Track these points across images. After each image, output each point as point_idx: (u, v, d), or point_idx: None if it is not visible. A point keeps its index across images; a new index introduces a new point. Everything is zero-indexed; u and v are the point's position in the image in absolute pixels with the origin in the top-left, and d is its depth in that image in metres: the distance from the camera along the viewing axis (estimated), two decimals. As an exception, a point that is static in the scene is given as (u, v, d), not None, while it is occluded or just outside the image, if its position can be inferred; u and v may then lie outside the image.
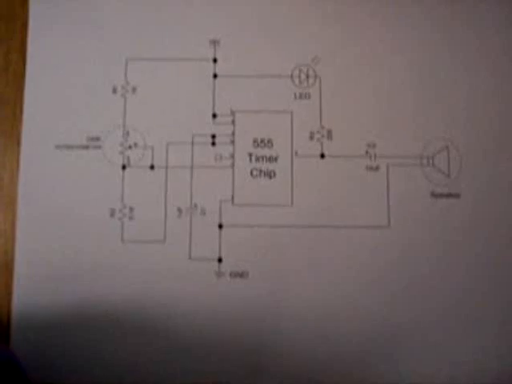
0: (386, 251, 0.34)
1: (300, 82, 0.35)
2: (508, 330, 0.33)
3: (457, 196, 0.34)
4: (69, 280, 0.34)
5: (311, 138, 0.35)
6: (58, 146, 0.35)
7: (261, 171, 0.34)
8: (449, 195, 0.34)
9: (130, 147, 0.35)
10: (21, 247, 0.34)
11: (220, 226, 0.34)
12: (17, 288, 0.34)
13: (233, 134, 0.35)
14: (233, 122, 0.35)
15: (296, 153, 0.35)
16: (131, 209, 0.34)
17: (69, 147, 0.35)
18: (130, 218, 0.34)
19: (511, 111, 0.35)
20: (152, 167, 0.35)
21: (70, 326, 0.33)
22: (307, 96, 0.35)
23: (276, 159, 0.35)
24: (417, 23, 0.36)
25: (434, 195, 0.34)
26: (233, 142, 0.35)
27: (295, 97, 0.35)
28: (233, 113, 0.35)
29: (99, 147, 0.35)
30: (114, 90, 0.35)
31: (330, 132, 0.35)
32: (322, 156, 0.34)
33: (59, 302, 0.34)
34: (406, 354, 0.33)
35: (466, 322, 0.33)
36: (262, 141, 0.35)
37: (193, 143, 0.35)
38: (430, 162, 0.34)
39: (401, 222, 0.34)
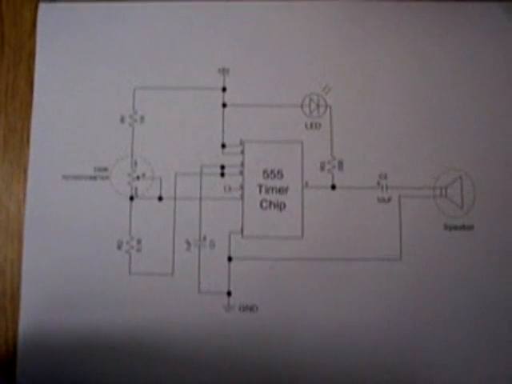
0: (398, 284, 0.33)
1: (310, 111, 0.35)
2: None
3: (470, 228, 0.34)
4: (75, 312, 0.33)
5: (322, 168, 0.34)
6: (65, 177, 0.34)
7: (271, 203, 0.34)
8: (462, 227, 0.34)
9: (137, 178, 0.34)
10: (27, 277, 0.34)
11: (229, 259, 0.34)
12: (23, 317, 0.34)
13: (242, 164, 0.34)
14: (242, 152, 0.34)
15: (306, 184, 0.34)
16: (139, 241, 0.34)
17: (76, 177, 0.34)
18: (138, 250, 0.34)
19: (527, 142, 0.34)
20: (160, 198, 0.34)
21: (76, 356, 0.33)
22: (318, 126, 0.34)
23: (286, 190, 0.34)
24: (429, 53, 0.35)
25: (448, 227, 0.34)
26: (242, 172, 0.34)
27: (306, 126, 0.34)
28: (242, 143, 0.34)
29: (107, 178, 0.34)
30: (122, 120, 0.35)
31: (341, 162, 0.34)
32: (333, 187, 0.34)
33: (65, 333, 0.33)
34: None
35: (480, 354, 0.33)
36: (271, 171, 0.34)
37: (201, 174, 0.34)
38: (443, 193, 0.34)
39: (413, 254, 0.33)
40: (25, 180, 0.35)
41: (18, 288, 0.34)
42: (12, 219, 0.34)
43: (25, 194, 0.34)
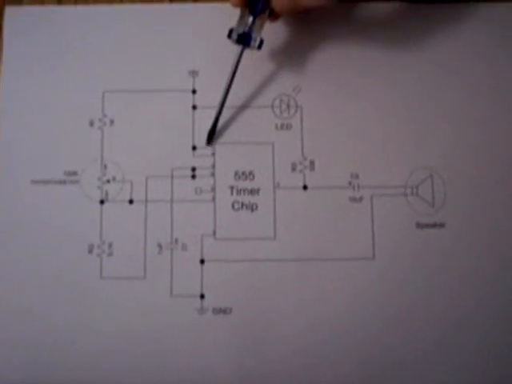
0: (372, 283, 0.33)
1: (281, 112, 0.35)
2: (495, 354, 0.33)
3: (442, 226, 0.34)
4: (45, 318, 0.33)
5: (293, 169, 0.34)
6: (34, 181, 0.34)
7: (242, 204, 0.34)
8: (434, 225, 0.34)
9: (108, 181, 0.34)
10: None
11: (202, 262, 0.33)
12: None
13: (213, 166, 0.34)
14: (213, 154, 0.34)
15: (278, 184, 0.34)
16: (110, 244, 0.33)
17: (45, 182, 0.34)
18: (109, 254, 0.33)
19: (495, 139, 0.34)
20: (131, 201, 0.34)
21: (50, 359, 0.33)
22: (288, 126, 0.34)
23: (258, 191, 0.34)
24: (401, 50, 0.35)
25: (419, 225, 0.34)
26: (213, 174, 0.34)
27: (276, 127, 0.34)
28: (213, 145, 0.34)
29: (76, 182, 0.34)
30: (91, 123, 0.34)
31: (312, 163, 0.34)
32: (305, 187, 0.34)
33: (33, 339, 0.33)
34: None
35: (452, 349, 0.33)
36: (243, 173, 0.34)
37: (172, 176, 0.34)
38: (415, 191, 0.34)
39: (386, 253, 0.34)
40: (-6, 187, 0.34)
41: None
42: None
43: (-7, 200, 0.34)
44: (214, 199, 0.34)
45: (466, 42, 0.35)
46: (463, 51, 0.35)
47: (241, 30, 0.31)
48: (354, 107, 0.35)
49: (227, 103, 0.34)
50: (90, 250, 0.33)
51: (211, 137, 0.34)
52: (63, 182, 0.34)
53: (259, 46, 0.31)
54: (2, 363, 0.33)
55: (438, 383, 0.33)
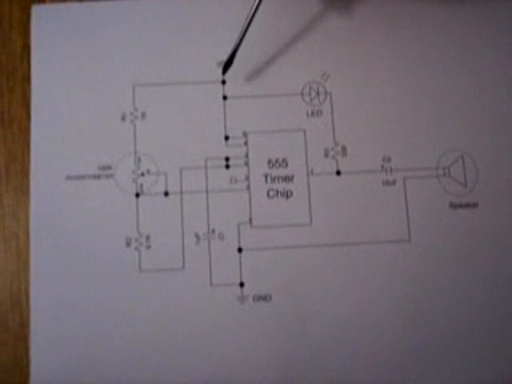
0: (408, 265, 0.34)
1: (311, 99, 0.35)
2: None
3: (475, 205, 0.34)
4: (87, 314, 0.33)
5: (326, 155, 0.34)
6: (68, 177, 0.34)
7: (277, 192, 0.34)
8: (467, 205, 0.34)
9: (142, 174, 0.34)
10: (36, 280, 0.33)
11: (239, 250, 0.33)
12: (34, 329, 0.33)
13: (246, 155, 0.34)
14: (246, 143, 0.34)
15: (311, 171, 0.34)
16: (147, 237, 0.33)
17: (80, 177, 0.34)
18: (147, 247, 0.33)
19: (525, 118, 0.35)
20: (166, 194, 0.34)
21: (90, 354, 0.33)
22: (319, 113, 0.35)
23: (292, 178, 0.34)
24: (427, 36, 0.36)
25: (453, 206, 0.34)
26: (247, 163, 0.34)
27: (307, 114, 0.35)
28: (245, 134, 0.34)
29: (111, 176, 0.34)
30: (123, 117, 0.35)
31: (344, 148, 0.34)
32: (338, 173, 0.34)
33: (78, 335, 0.33)
34: (432, 370, 0.33)
35: (489, 333, 0.33)
36: (276, 161, 0.34)
37: (206, 167, 0.34)
38: (447, 172, 0.34)
39: (421, 234, 0.34)
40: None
41: (27, 289, 0.33)
42: (22, 247, 0.34)
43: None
44: (248, 188, 0.34)
45: (495, 18, 0.36)
46: (492, 30, 0.35)
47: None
48: (383, 91, 0.35)
49: (257, 92, 0.34)
50: (128, 244, 0.33)
51: (227, 67, 0.34)
52: (98, 177, 0.34)
53: None
54: (44, 358, 0.32)
55: (477, 366, 0.33)
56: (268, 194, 0.34)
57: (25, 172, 0.34)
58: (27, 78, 0.35)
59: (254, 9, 0.32)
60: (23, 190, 0.34)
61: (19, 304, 0.33)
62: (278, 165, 0.34)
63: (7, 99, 0.35)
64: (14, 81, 0.35)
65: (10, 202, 0.34)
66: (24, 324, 0.33)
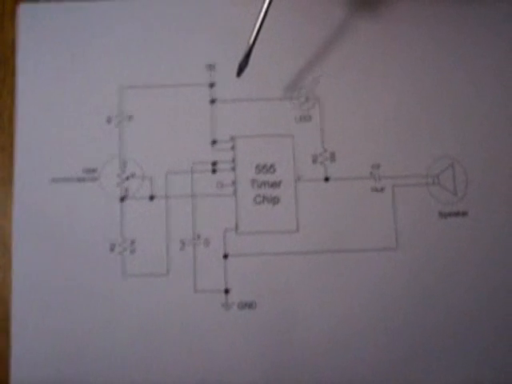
0: (395, 273, 0.33)
1: (300, 104, 0.34)
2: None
3: (465, 214, 0.34)
4: (68, 317, 0.32)
5: (314, 161, 0.34)
6: (53, 179, 0.33)
7: (264, 197, 0.34)
8: (456, 214, 0.34)
9: (127, 178, 0.34)
10: (17, 285, 0.33)
11: (225, 256, 0.33)
12: (15, 330, 0.33)
13: (233, 160, 0.34)
14: (233, 147, 0.34)
15: (299, 177, 0.34)
16: (132, 242, 0.33)
17: (65, 180, 0.33)
18: (131, 252, 0.33)
19: (516, 126, 0.34)
20: (151, 198, 0.33)
21: (74, 358, 0.32)
22: (308, 118, 0.34)
23: (279, 184, 0.34)
24: (419, 40, 0.35)
25: (442, 214, 0.34)
26: (234, 168, 0.34)
27: (296, 120, 0.34)
28: (233, 138, 0.34)
29: (96, 179, 0.34)
30: (109, 120, 0.34)
31: (333, 154, 0.34)
32: (327, 179, 0.34)
33: (61, 338, 0.32)
34: (420, 377, 0.32)
35: (478, 341, 0.33)
36: (264, 166, 0.34)
37: (192, 171, 0.34)
38: (436, 180, 0.34)
39: (409, 243, 0.33)
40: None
41: (10, 291, 0.33)
42: (7, 240, 0.33)
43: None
44: (235, 193, 0.34)
45: (489, 25, 0.35)
46: (486, 36, 0.35)
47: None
48: (373, 98, 0.35)
49: (245, 96, 0.34)
50: (112, 248, 0.33)
51: (242, 69, 0.32)
52: (82, 180, 0.34)
53: None
54: (24, 361, 0.32)
55: (467, 371, 0.33)
56: (255, 200, 0.34)
57: (12, 163, 0.34)
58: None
59: (266, 4, 0.31)
60: (10, 182, 0.34)
61: (2, 298, 0.33)
62: (265, 170, 0.34)
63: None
64: (5, 71, 0.35)
65: (-3, 194, 0.34)
66: (6, 318, 0.33)
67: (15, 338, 0.32)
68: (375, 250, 0.33)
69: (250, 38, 0.31)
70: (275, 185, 0.34)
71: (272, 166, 0.34)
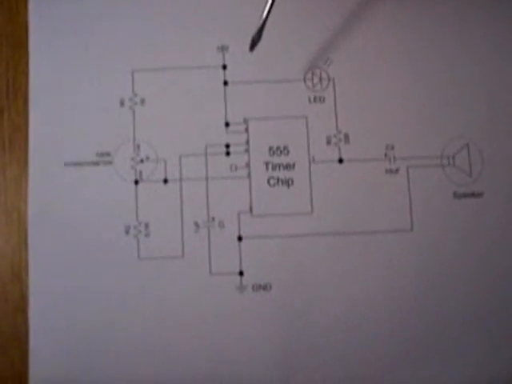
0: (410, 255, 0.33)
1: (313, 85, 0.34)
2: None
3: (480, 195, 0.33)
4: (86, 302, 0.33)
5: (328, 142, 0.34)
6: (67, 164, 0.33)
7: (278, 179, 0.34)
8: (472, 195, 0.33)
9: (141, 161, 0.34)
10: (34, 268, 0.33)
11: (239, 239, 0.33)
12: (33, 313, 0.33)
13: (247, 142, 0.34)
14: (246, 130, 0.34)
15: (313, 159, 0.34)
16: (146, 225, 0.33)
17: (78, 164, 0.33)
18: (146, 235, 0.33)
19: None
20: (166, 181, 0.33)
21: (90, 344, 0.33)
22: (322, 99, 0.34)
23: (293, 166, 0.34)
24: (432, 23, 0.35)
25: (457, 195, 0.33)
26: (247, 150, 0.34)
27: (309, 101, 0.34)
28: (246, 121, 0.34)
29: (110, 163, 0.34)
30: (122, 103, 0.34)
31: (346, 136, 0.34)
32: (340, 161, 0.34)
33: (77, 323, 0.33)
34: (435, 359, 0.32)
35: (492, 323, 0.33)
36: (277, 148, 0.34)
37: (206, 154, 0.34)
38: (451, 161, 0.34)
39: (424, 224, 0.33)
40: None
41: (27, 276, 0.33)
42: (23, 220, 0.33)
43: (31, 189, 0.33)
44: (249, 175, 0.34)
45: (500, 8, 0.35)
46: (494, 15, 0.35)
47: None
48: (387, 78, 0.34)
49: (258, 77, 0.34)
50: (127, 231, 0.33)
51: (255, 43, 0.31)
52: (96, 164, 0.34)
53: None
54: (42, 346, 0.32)
55: (477, 356, 0.33)
56: (269, 182, 0.34)
57: (27, 144, 0.34)
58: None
59: None
60: (26, 162, 0.34)
61: (19, 277, 0.33)
62: (279, 152, 0.34)
63: (12, 71, 0.35)
64: (20, 53, 0.35)
65: (12, 174, 0.34)
66: (23, 297, 0.33)
67: (33, 318, 0.33)
68: (390, 231, 0.33)
69: (263, 11, 0.30)
70: (289, 167, 0.34)
71: (286, 147, 0.34)
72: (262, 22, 0.30)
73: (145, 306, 0.33)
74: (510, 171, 0.34)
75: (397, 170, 0.34)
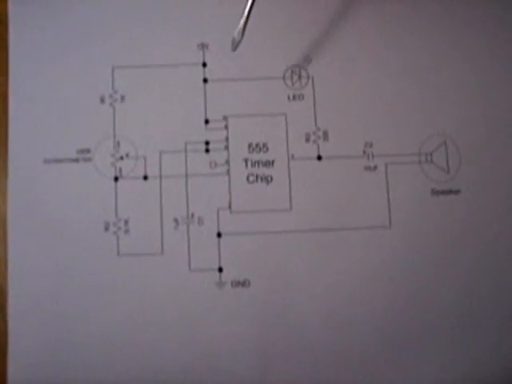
0: (389, 251, 0.33)
1: (292, 83, 0.34)
2: (510, 327, 0.33)
3: (457, 192, 0.34)
4: (62, 298, 0.33)
5: (307, 140, 0.34)
6: (46, 160, 0.34)
7: (257, 176, 0.34)
8: (449, 192, 0.34)
9: (121, 158, 0.34)
10: (13, 266, 0.33)
11: (219, 235, 0.33)
12: (11, 310, 0.33)
13: (226, 139, 0.34)
14: (226, 127, 0.34)
15: (292, 156, 0.34)
16: (126, 222, 0.33)
17: (58, 161, 0.34)
18: (126, 232, 0.33)
19: (509, 105, 0.34)
20: (145, 178, 0.34)
21: (68, 341, 0.33)
22: (301, 97, 0.34)
23: (272, 163, 0.34)
24: (412, 20, 0.35)
25: (434, 192, 0.34)
26: (227, 147, 0.34)
27: (288, 98, 0.34)
28: (225, 118, 0.34)
29: (89, 159, 0.34)
30: (102, 100, 0.34)
31: (325, 133, 0.34)
32: (319, 158, 0.34)
33: (55, 320, 0.33)
34: (409, 356, 0.33)
35: (467, 320, 0.33)
36: (256, 145, 0.34)
37: (186, 151, 0.34)
38: (429, 158, 0.34)
39: (402, 221, 0.34)
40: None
41: (5, 273, 0.33)
42: (3, 217, 0.33)
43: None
44: (228, 172, 0.34)
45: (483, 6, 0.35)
46: (477, 12, 0.35)
47: None
48: (366, 76, 0.35)
49: (238, 75, 0.34)
50: (107, 228, 0.33)
51: (237, 43, 0.31)
52: (76, 160, 0.34)
53: None
54: (20, 343, 0.32)
55: (453, 354, 0.33)
56: (248, 179, 0.34)
57: (7, 142, 0.34)
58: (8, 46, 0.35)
59: None
60: (5, 159, 0.34)
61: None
62: (258, 149, 0.34)
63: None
64: (-1, 50, 0.35)
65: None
66: (3, 294, 0.33)
67: (12, 316, 0.33)
68: (368, 228, 0.33)
69: (243, 10, 0.30)
70: (268, 164, 0.34)
71: (265, 144, 0.34)
72: (243, 22, 0.30)
73: (124, 303, 0.33)
74: (486, 168, 0.34)
75: (375, 167, 0.34)
